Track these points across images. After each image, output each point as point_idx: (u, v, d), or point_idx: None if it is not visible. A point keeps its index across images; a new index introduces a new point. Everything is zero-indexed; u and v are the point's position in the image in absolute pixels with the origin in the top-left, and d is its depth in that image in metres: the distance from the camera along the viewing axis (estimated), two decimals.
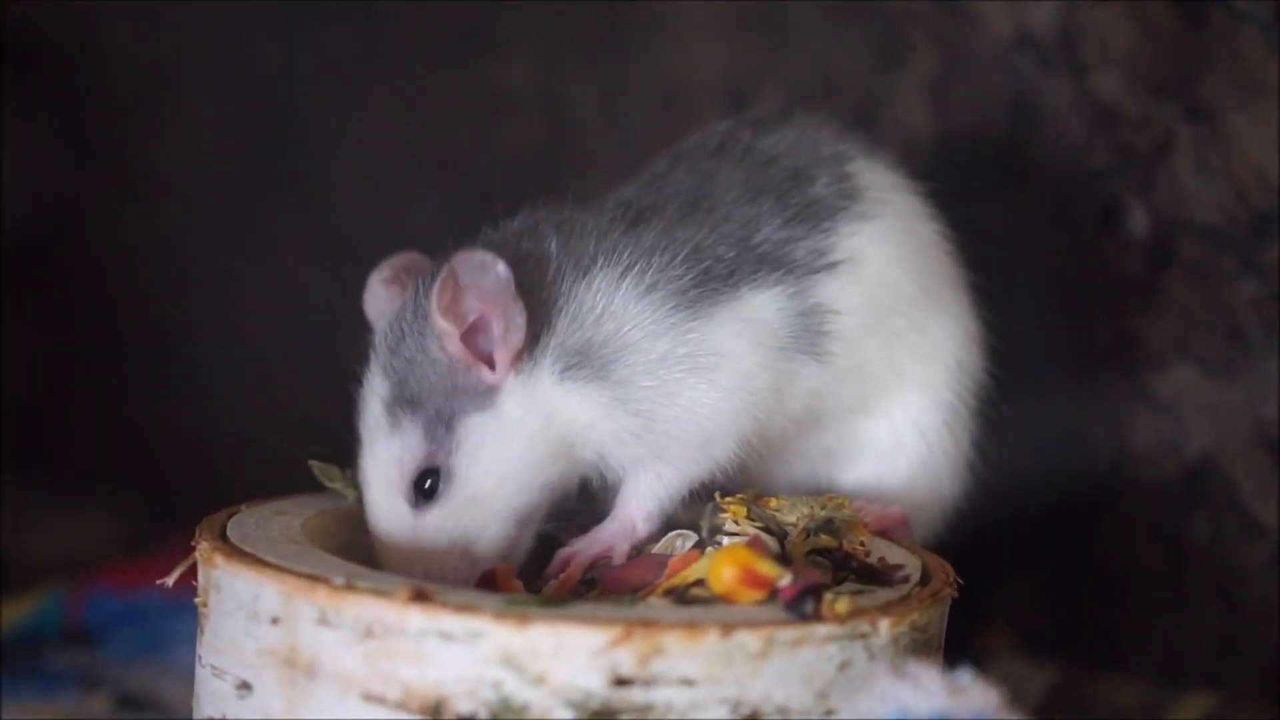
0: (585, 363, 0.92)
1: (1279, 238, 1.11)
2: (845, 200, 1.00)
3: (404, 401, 0.91)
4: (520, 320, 0.90)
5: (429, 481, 0.90)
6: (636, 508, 0.94)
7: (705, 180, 0.98)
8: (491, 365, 0.91)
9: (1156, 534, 1.19)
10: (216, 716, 0.84)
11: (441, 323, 0.90)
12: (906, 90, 1.24)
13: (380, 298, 0.97)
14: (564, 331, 0.92)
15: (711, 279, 0.94)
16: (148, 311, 1.78)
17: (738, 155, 1.01)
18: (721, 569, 0.83)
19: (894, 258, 1.00)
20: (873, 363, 1.00)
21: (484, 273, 0.89)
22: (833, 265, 0.98)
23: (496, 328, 0.91)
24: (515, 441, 0.91)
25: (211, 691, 0.84)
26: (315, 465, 0.98)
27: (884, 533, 0.97)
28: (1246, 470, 1.15)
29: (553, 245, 0.94)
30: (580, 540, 0.94)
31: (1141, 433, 1.18)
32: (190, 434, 1.73)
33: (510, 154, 1.49)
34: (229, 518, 0.91)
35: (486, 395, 0.91)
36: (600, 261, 0.93)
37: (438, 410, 0.90)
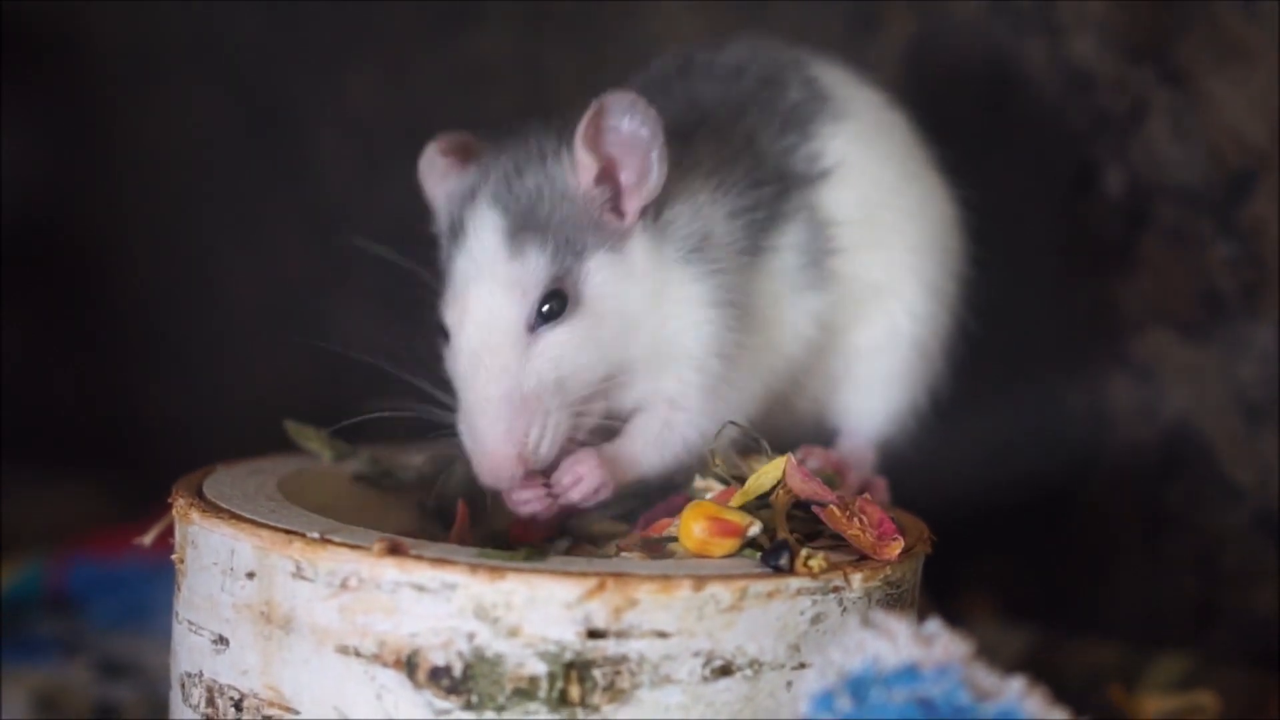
0: (701, 259, 0.93)
1: (1255, 200, 1.11)
2: (819, 102, 1.00)
3: (528, 229, 0.90)
4: (662, 168, 0.90)
5: (552, 304, 0.90)
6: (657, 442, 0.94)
7: (690, 104, 0.99)
8: (618, 211, 0.91)
9: (1134, 497, 1.19)
10: (194, 671, 0.84)
11: (584, 156, 0.90)
12: (883, 54, 1.24)
13: (439, 165, 0.98)
14: (688, 213, 0.93)
15: (758, 213, 0.95)
16: (134, 288, 1.78)
17: (703, 73, 1.01)
18: (691, 525, 0.84)
19: (874, 152, 1.01)
20: (871, 268, 1.00)
21: (632, 115, 0.90)
22: (826, 172, 0.99)
23: (629, 174, 0.91)
24: (639, 288, 0.91)
25: (189, 647, 0.85)
26: (290, 425, 0.98)
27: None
28: (1223, 434, 1.15)
29: (692, 116, 0.95)
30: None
31: (1119, 397, 1.19)
32: (176, 408, 1.73)
33: (492, 125, 1.49)
34: (205, 476, 0.92)
35: (617, 237, 0.91)
36: (697, 162, 0.94)
37: (567, 239, 0.90)
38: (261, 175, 1.67)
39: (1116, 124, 1.15)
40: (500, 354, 0.89)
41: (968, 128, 1.07)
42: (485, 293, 0.90)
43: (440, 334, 0.93)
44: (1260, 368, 1.12)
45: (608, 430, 0.94)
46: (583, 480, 0.91)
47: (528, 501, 0.91)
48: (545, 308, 0.89)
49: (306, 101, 1.63)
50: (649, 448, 0.93)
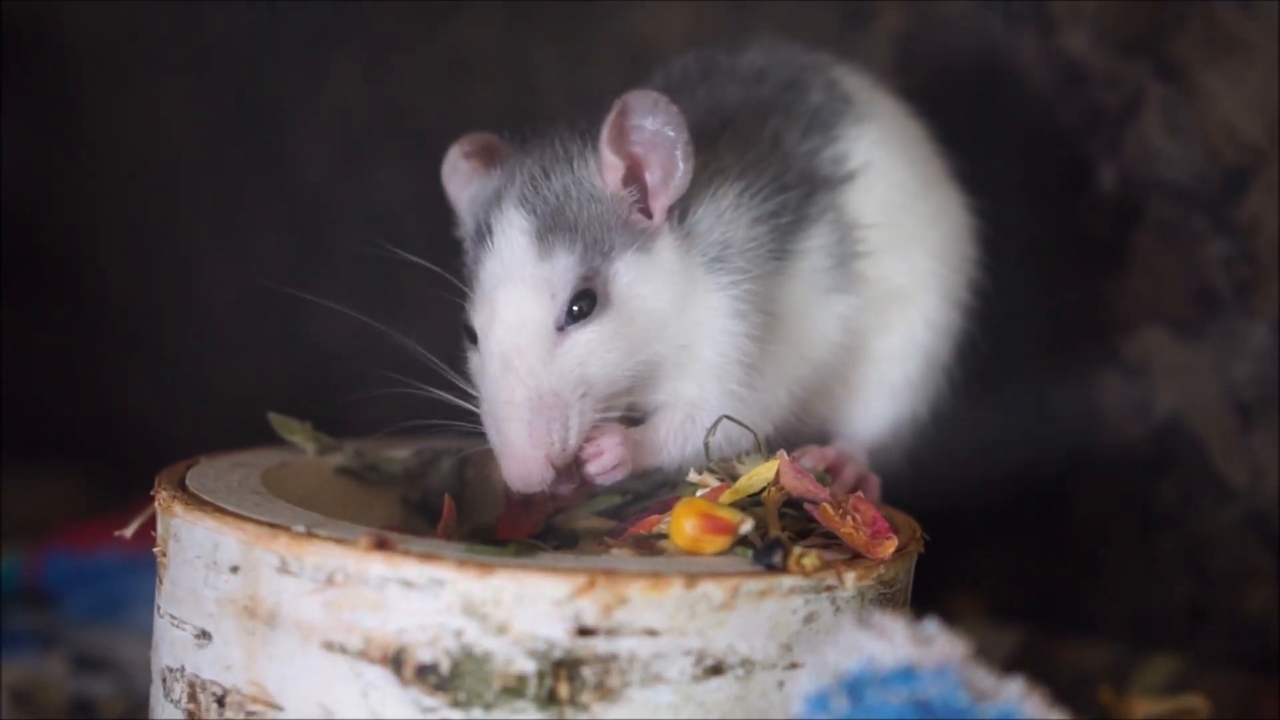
0: (725, 269, 0.92)
1: (1250, 197, 1.10)
2: (842, 104, 1.00)
3: (557, 230, 0.89)
4: (687, 166, 0.90)
5: (581, 304, 0.89)
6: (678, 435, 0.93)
7: (715, 108, 0.98)
8: (645, 212, 0.91)
9: (1125, 497, 1.18)
10: (175, 666, 0.83)
11: (609, 156, 0.90)
12: (873, 50, 1.23)
13: (462, 170, 0.97)
14: (713, 219, 0.93)
15: (784, 217, 0.94)
16: (114, 282, 1.78)
17: (725, 76, 1.00)
18: (683, 522, 0.83)
19: (897, 155, 1.01)
20: (894, 273, 1.00)
21: (655, 113, 0.89)
22: (852, 174, 0.98)
23: (655, 172, 0.91)
24: (667, 289, 0.91)
25: (171, 641, 0.84)
26: (274, 418, 0.97)
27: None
28: (1216, 433, 1.14)
29: (715, 120, 0.95)
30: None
31: (1110, 395, 1.18)
32: (157, 402, 1.72)
33: (475, 119, 1.47)
34: (188, 469, 0.91)
35: (644, 238, 0.90)
36: (722, 167, 0.94)
37: (596, 240, 0.89)
38: (242, 169, 1.66)
39: (1110, 119, 1.15)
40: (529, 356, 0.88)
41: (959, 122, 1.06)
42: (515, 294, 0.89)
43: (466, 336, 0.92)
44: (1254, 366, 1.12)
45: (632, 421, 0.93)
46: (604, 455, 0.90)
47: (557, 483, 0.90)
48: (575, 308, 0.89)
49: (287, 94, 1.62)
50: (671, 439, 0.93)
